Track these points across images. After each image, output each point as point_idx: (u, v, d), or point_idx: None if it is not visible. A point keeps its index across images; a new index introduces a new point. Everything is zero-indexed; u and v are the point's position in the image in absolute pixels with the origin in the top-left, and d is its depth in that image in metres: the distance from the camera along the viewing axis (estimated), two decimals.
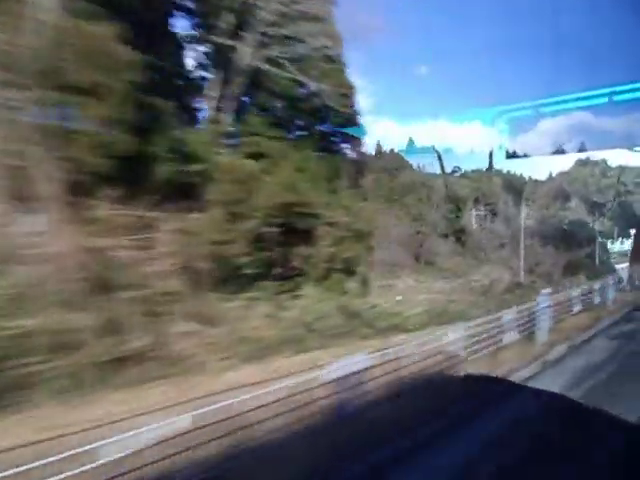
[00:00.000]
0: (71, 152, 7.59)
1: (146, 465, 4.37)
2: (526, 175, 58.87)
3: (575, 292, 11.84)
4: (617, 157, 53.90)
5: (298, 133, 14.52)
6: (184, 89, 11.30)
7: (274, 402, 5.96)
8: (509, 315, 8.38)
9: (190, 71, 11.42)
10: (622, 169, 56.34)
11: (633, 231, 45.76)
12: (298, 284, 12.96)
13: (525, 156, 55.12)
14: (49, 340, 6.68)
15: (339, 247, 13.63)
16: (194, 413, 5.19)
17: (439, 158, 55.19)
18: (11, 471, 3.76)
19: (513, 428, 5.68)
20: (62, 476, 3.84)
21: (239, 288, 11.12)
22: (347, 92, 14.67)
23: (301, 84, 13.55)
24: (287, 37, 12.34)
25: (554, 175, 60.98)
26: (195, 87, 11.67)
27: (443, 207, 49.33)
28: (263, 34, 12.03)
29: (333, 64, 14.19)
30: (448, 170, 54.15)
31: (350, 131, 16.72)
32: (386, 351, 7.20)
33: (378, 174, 53.34)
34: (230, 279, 10.85)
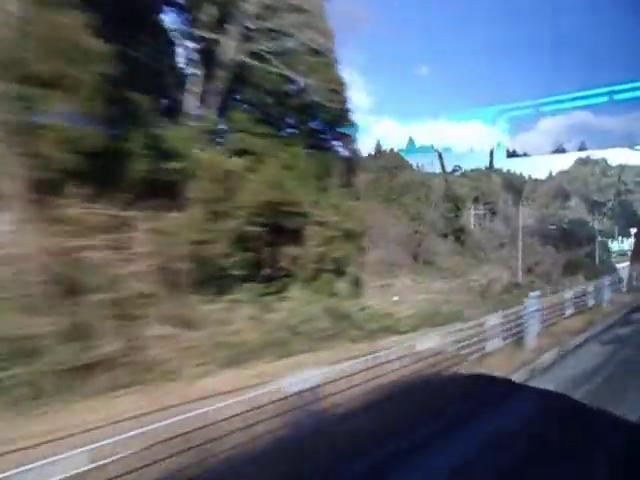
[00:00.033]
0: (36, 148, 7.21)
1: None
2: (526, 174, 58.60)
3: (568, 294, 11.39)
4: (617, 156, 53.58)
5: (286, 130, 14.12)
6: (165, 84, 10.91)
7: (244, 413, 5.60)
8: (495, 320, 7.96)
9: (172, 65, 11.02)
10: (622, 168, 55.96)
11: (634, 230, 45.32)
12: (285, 285, 12.59)
13: (525, 155, 54.84)
14: (8, 347, 6.32)
15: (328, 247, 13.25)
16: (151, 427, 4.83)
17: (440, 157, 54.91)
18: None
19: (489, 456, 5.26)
20: None
21: (222, 290, 10.74)
22: (337, 88, 14.27)
23: (289, 79, 13.16)
24: (273, 30, 11.95)
25: (554, 174, 60.69)
26: (177, 82, 11.28)
27: (442, 206, 49.07)
28: (248, 27, 11.64)
29: (323, 59, 13.79)
30: (448, 169, 53.83)
31: (342, 128, 16.35)
32: (361, 359, 6.82)
33: (378, 173, 53.25)
34: (212, 280, 10.47)
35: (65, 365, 6.75)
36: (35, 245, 7.08)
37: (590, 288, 12.75)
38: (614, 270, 37.04)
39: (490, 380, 7.42)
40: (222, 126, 12.36)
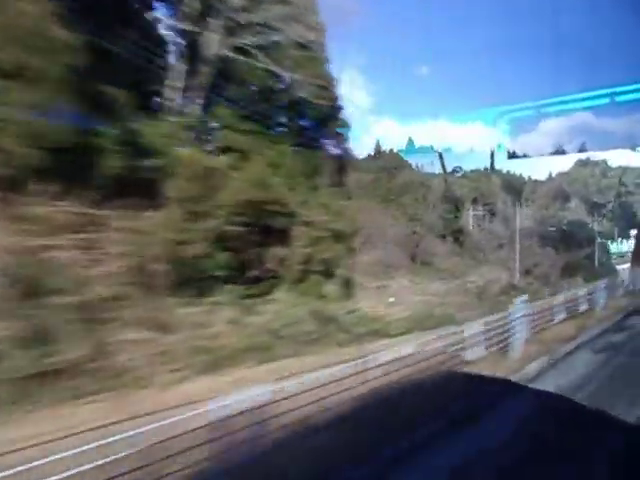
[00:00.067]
0: None
1: None
2: (527, 175, 58.29)
3: (558, 300, 10.94)
4: (618, 157, 53.22)
5: (274, 127, 13.74)
6: (145, 78, 10.53)
7: (209, 424, 5.21)
8: (477, 328, 7.53)
9: (152, 59, 10.64)
10: (623, 170, 55.54)
11: (634, 232, 44.92)
12: (271, 287, 12.21)
13: (525, 156, 54.49)
14: None
15: (315, 248, 12.86)
16: (106, 441, 4.45)
17: (440, 158, 54.57)
18: None
19: None
20: None
21: (202, 292, 10.35)
22: (326, 84, 13.90)
23: (277, 75, 12.79)
24: (259, 24, 11.57)
25: (554, 175, 60.31)
26: (158, 77, 10.90)
27: (441, 207, 48.72)
28: (232, 20, 11.26)
29: (311, 54, 13.42)
30: (449, 170, 53.49)
31: (333, 126, 15.99)
32: (341, 366, 6.42)
33: (377, 174, 52.99)
34: (192, 282, 10.08)
35: (23, 372, 6.36)
36: None
37: (581, 292, 12.29)
38: (614, 272, 36.63)
39: (489, 381, 7.14)
40: (206, 123, 11.98)
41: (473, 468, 4.81)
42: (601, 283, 13.90)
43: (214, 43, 11.21)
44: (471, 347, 7.45)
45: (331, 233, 13.51)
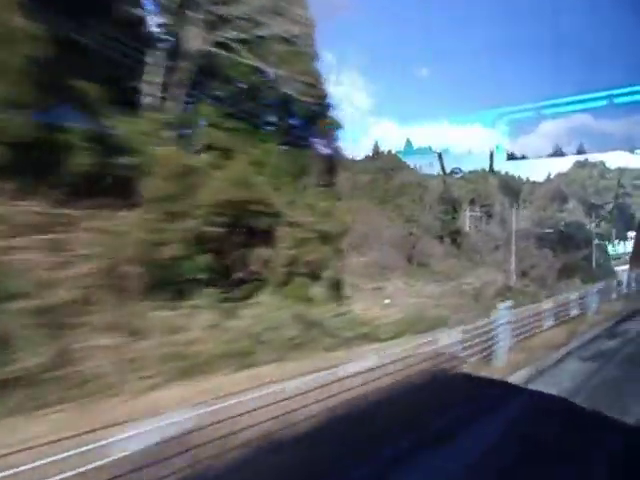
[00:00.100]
0: None
1: None
2: (525, 176, 58.12)
3: (547, 305, 10.53)
4: (616, 159, 53.04)
5: (260, 125, 13.36)
6: (120, 73, 10.15)
7: (170, 440, 4.83)
8: (455, 336, 7.12)
9: (130, 54, 10.26)
10: (621, 171, 55.35)
11: (632, 233, 44.62)
12: (253, 290, 11.81)
13: (524, 158, 54.27)
14: None
15: (301, 249, 12.47)
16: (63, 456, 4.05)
17: (439, 159, 54.37)
18: None
19: None
20: None
21: (180, 295, 9.96)
22: (314, 81, 13.52)
23: (261, 71, 12.42)
24: (241, 18, 11.20)
25: (552, 177, 60.12)
26: (136, 72, 10.52)
27: (438, 208, 48.45)
28: (213, 14, 10.89)
29: (298, 50, 13.04)
30: (448, 171, 53.28)
31: (322, 125, 15.62)
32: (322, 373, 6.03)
33: (375, 175, 52.71)
34: (169, 285, 9.69)
35: None
36: None
37: (572, 296, 11.89)
38: (612, 273, 36.33)
39: (487, 382, 6.86)
40: (188, 120, 11.59)
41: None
42: (594, 288, 13.45)
43: (195, 37, 10.84)
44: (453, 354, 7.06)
45: (318, 234, 13.12)
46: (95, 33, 9.63)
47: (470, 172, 58.01)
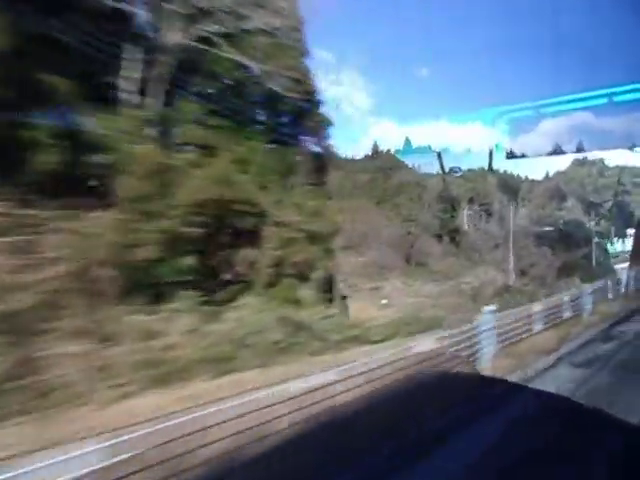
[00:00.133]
0: None
1: None
2: (525, 175, 57.75)
3: (537, 307, 10.11)
4: (616, 157, 52.64)
5: (246, 122, 12.94)
6: (95, 68, 9.76)
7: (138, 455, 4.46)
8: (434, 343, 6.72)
9: (106, 49, 9.88)
10: (621, 169, 54.92)
11: (631, 231, 44.17)
12: (238, 292, 11.41)
13: (523, 156, 53.86)
14: None
15: (288, 250, 12.09)
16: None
17: (439, 157, 53.96)
18: None
19: None
20: None
21: (159, 299, 9.57)
22: (301, 77, 13.13)
23: (245, 67, 12.02)
24: (222, 10, 10.81)
25: (551, 175, 59.74)
26: (111, 66, 10.13)
27: (436, 207, 48.07)
28: (192, 6, 10.50)
29: (283, 45, 12.65)
30: (447, 170, 52.95)
31: (312, 122, 15.23)
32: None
33: (374, 174, 52.36)
34: (146, 288, 9.30)
35: None
36: None
37: (566, 298, 11.47)
38: (612, 272, 35.87)
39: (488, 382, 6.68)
40: (168, 117, 11.19)
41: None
42: (588, 289, 13.02)
43: (174, 31, 10.45)
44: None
45: (306, 234, 12.74)
46: (67, 26, 9.24)
47: (469, 171, 57.64)
